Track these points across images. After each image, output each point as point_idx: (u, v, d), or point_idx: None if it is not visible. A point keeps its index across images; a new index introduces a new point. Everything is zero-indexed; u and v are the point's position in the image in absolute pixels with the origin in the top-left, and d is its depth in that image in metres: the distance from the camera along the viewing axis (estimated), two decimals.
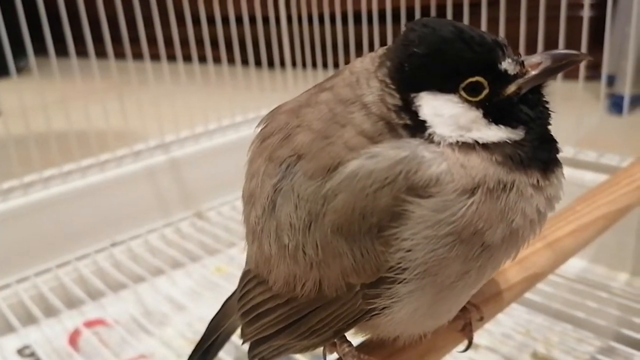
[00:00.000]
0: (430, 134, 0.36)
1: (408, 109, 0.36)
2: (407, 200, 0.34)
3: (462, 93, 0.36)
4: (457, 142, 0.36)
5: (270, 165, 0.39)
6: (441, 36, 0.35)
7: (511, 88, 0.36)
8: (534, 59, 0.37)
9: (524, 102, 0.37)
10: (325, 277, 0.38)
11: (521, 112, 0.37)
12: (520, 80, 0.36)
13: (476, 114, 0.36)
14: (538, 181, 0.36)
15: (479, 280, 0.38)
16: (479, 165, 0.35)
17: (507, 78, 0.36)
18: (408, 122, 0.36)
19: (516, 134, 0.37)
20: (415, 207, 0.34)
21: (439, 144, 0.35)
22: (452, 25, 0.36)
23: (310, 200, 0.36)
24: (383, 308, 0.37)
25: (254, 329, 0.44)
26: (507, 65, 0.36)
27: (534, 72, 0.36)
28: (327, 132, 0.37)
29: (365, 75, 0.38)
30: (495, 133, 0.36)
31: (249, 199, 0.42)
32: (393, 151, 0.35)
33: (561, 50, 0.37)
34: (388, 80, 0.37)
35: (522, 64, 0.36)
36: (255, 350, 0.45)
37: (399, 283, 0.36)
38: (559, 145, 0.39)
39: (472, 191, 0.34)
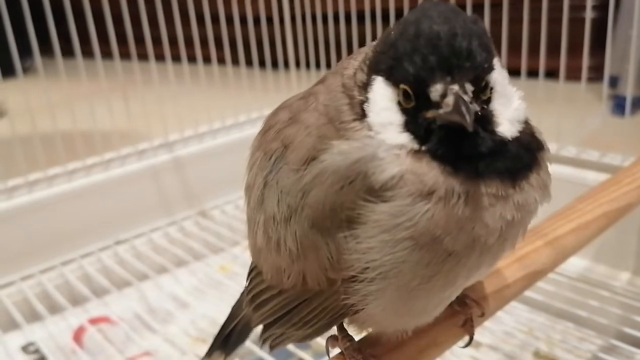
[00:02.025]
0: (365, 118, 0.36)
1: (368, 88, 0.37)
2: (363, 204, 0.34)
3: (400, 94, 0.35)
4: (411, 147, 0.35)
5: (263, 158, 0.40)
6: (414, 30, 0.34)
7: (430, 113, 0.34)
8: (450, 98, 0.32)
9: (444, 130, 0.34)
10: (307, 271, 0.38)
11: (437, 138, 0.34)
12: (436, 111, 0.33)
13: (398, 118, 0.35)
14: (498, 190, 0.35)
15: (452, 283, 0.37)
16: (429, 173, 0.34)
17: (430, 102, 0.33)
18: (364, 99, 0.37)
19: (413, 145, 0.35)
20: (370, 211, 0.34)
21: (400, 147, 0.35)
22: (435, 22, 0.33)
23: (291, 194, 0.37)
24: (360, 305, 0.38)
25: (257, 316, 0.46)
26: (434, 90, 0.33)
27: (442, 111, 0.33)
28: (308, 122, 0.38)
29: (359, 53, 0.39)
30: (401, 140, 0.35)
31: (246, 192, 0.43)
32: (355, 151, 0.35)
33: (463, 108, 0.32)
34: (366, 58, 0.38)
35: (443, 95, 0.33)
36: (264, 335, 0.46)
37: (361, 282, 0.36)
38: (542, 148, 0.38)
39: (427, 198, 0.34)
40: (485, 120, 0.35)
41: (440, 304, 0.41)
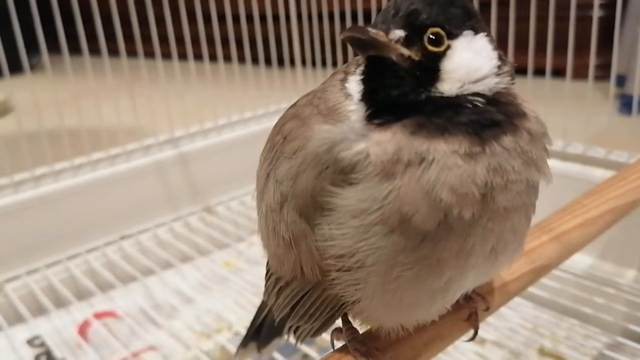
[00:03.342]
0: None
1: None
2: (334, 189, 0.35)
3: None
4: (377, 119, 0.35)
5: (269, 150, 0.41)
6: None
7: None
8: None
9: (367, 66, 0.36)
10: (301, 260, 0.39)
11: (364, 74, 0.37)
12: None
13: (363, 65, 0.37)
14: (461, 146, 0.34)
15: (438, 273, 0.36)
16: (392, 139, 0.34)
17: None
18: (356, 68, 0.38)
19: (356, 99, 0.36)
20: (340, 197, 0.35)
21: (367, 121, 0.36)
22: None
23: (283, 183, 0.38)
24: (350, 296, 0.37)
25: (275, 308, 0.46)
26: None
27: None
28: (303, 115, 0.39)
29: None
30: (355, 94, 0.37)
31: (257, 183, 0.43)
32: (328, 134, 0.36)
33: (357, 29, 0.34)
34: None
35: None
36: (286, 327, 0.46)
37: (338, 270, 0.36)
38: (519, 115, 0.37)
39: (391, 174, 0.33)
40: (423, 71, 0.35)
41: (435, 298, 0.38)
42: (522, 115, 0.37)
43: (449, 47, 0.36)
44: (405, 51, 0.35)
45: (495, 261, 0.38)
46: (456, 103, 0.35)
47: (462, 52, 0.36)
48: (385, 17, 0.35)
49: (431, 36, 0.35)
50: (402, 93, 0.35)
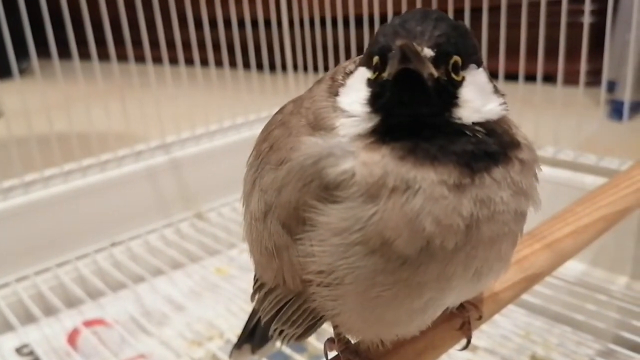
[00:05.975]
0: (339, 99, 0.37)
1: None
2: (317, 204, 0.34)
3: (371, 70, 0.36)
4: (368, 137, 0.35)
5: (255, 157, 0.41)
6: (393, 21, 0.35)
7: (387, 69, 0.33)
8: (399, 41, 0.32)
9: (395, 84, 0.34)
10: (283, 270, 0.38)
11: (389, 95, 0.34)
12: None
13: (365, 92, 0.36)
14: (450, 177, 0.33)
15: (418, 295, 0.35)
16: (380, 162, 0.33)
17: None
18: (343, 83, 0.38)
19: (370, 119, 0.35)
20: (322, 214, 0.34)
21: (357, 138, 0.35)
22: (416, 11, 0.35)
23: (268, 193, 0.37)
24: (329, 309, 0.37)
25: (261, 311, 0.46)
26: (393, 48, 0.33)
27: (390, 55, 0.33)
28: (290, 124, 0.38)
29: (351, 61, 0.40)
30: (355, 109, 0.35)
31: (243, 189, 0.43)
32: (316, 148, 0.35)
33: (409, 51, 0.32)
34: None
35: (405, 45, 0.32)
36: (270, 330, 0.46)
37: (318, 286, 0.36)
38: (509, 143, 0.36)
39: (376, 196, 0.33)
40: (446, 95, 0.35)
41: (414, 317, 0.38)
42: (516, 145, 0.37)
43: (463, 78, 0.35)
44: (434, 71, 0.33)
45: (479, 282, 0.38)
46: (457, 130, 0.35)
47: (471, 84, 0.36)
48: (410, 33, 0.33)
49: (454, 64, 0.35)
50: (428, 113, 0.34)
